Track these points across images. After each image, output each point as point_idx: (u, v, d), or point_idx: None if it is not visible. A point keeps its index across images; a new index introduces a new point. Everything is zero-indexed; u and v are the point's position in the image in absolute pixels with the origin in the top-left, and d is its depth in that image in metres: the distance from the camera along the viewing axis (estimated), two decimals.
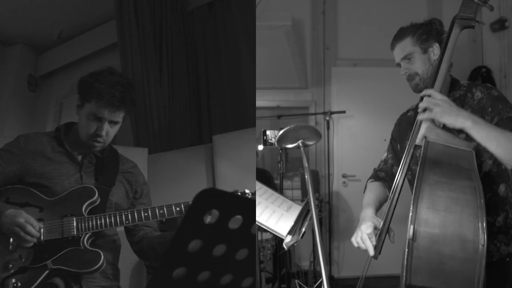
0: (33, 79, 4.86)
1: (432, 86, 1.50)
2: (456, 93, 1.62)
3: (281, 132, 1.41)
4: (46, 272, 1.56)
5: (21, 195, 1.66)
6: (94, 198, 1.68)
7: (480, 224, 1.23)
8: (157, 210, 1.66)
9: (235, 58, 3.79)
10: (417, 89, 1.64)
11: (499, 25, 4.37)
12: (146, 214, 1.66)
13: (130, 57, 3.71)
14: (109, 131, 1.70)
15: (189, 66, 4.09)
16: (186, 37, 4.12)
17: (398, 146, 1.80)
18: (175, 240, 0.82)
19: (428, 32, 1.65)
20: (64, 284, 1.61)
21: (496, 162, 1.52)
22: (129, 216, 1.66)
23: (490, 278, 1.39)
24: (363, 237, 1.47)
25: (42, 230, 1.60)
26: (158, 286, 0.85)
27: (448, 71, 1.60)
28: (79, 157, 1.77)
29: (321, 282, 1.17)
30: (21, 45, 4.72)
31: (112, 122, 1.70)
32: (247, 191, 1.68)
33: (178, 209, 1.66)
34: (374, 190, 1.74)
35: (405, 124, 1.78)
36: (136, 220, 1.66)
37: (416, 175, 1.34)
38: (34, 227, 1.55)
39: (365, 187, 1.82)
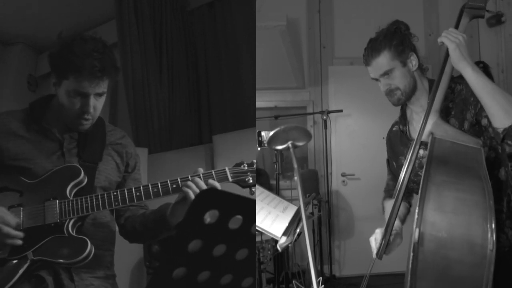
0: (33, 79, 4.86)
1: (439, 76, 1.45)
2: None
3: (271, 133, 1.42)
4: (27, 264, 1.40)
5: None
6: (80, 178, 1.49)
7: (489, 226, 1.18)
8: (150, 188, 1.48)
9: (235, 58, 3.79)
10: (399, 103, 1.60)
11: (495, 20, 4.36)
12: (138, 194, 1.47)
13: (130, 57, 3.71)
14: (96, 105, 1.51)
15: (189, 66, 4.09)
16: (186, 37, 4.12)
17: (394, 164, 1.75)
18: (175, 240, 0.82)
19: (402, 41, 1.57)
20: (52, 276, 1.45)
21: (493, 147, 1.50)
22: (119, 197, 1.47)
23: (496, 272, 1.36)
24: (371, 238, 1.52)
25: (21, 217, 1.43)
26: (158, 286, 0.85)
27: (425, 75, 1.61)
28: (58, 134, 1.57)
29: (319, 282, 1.18)
30: (21, 45, 4.72)
31: (98, 95, 1.50)
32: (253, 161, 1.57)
33: (174, 186, 1.49)
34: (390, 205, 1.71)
35: (394, 140, 1.74)
36: (127, 201, 1.47)
37: (422, 174, 1.29)
38: (11, 225, 1.39)
39: (383, 208, 1.78)
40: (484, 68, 4.38)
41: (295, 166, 1.40)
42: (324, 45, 4.57)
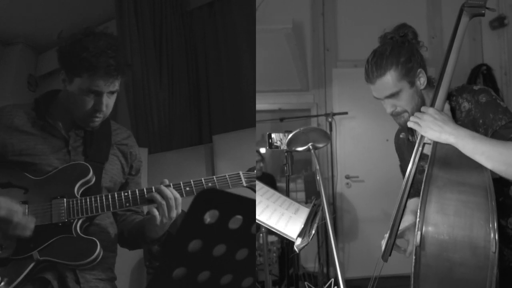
0: (33, 79, 4.86)
1: (438, 83, 1.38)
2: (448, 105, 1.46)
3: (291, 135, 1.42)
4: (32, 264, 1.32)
5: (2, 174, 1.41)
6: (89, 177, 1.43)
7: (491, 229, 1.17)
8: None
9: (235, 57, 3.79)
10: (406, 124, 1.46)
11: (498, 22, 4.37)
12: (149, 195, 1.41)
13: (130, 57, 3.71)
14: (108, 103, 1.47)
15: (189, 66, 4.09)
16: (186, 37, 4.12)
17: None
18: (175, 240, 0.82)
19: (411, 56, 1.43)
20: (56, 278, 1.38)
21: None
22: (130, 197, 1.41)
23: (508, 285, 1.35)
24: (383, 241, 1.46)
25: (27, 215, 1.35)
26: (158, 286, 0.85)
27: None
28: (64, 131, 1.52)
29: (331, 284, 1.18)
30: (21, 45, 4.71)
31: (111, 92, 1.46)
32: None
33: (188, 189, 1.43)
34: (412, 203, 1.59)
35: (403, 149, 1.66)
36: (138, 202, 1.41)
37: (424, 177, 1.27)
38: (18, 214, 1.30)
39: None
40: (487, 71, 4.42)
41: (317, 167, 1.41)
42: (328, 47, 4.57)
